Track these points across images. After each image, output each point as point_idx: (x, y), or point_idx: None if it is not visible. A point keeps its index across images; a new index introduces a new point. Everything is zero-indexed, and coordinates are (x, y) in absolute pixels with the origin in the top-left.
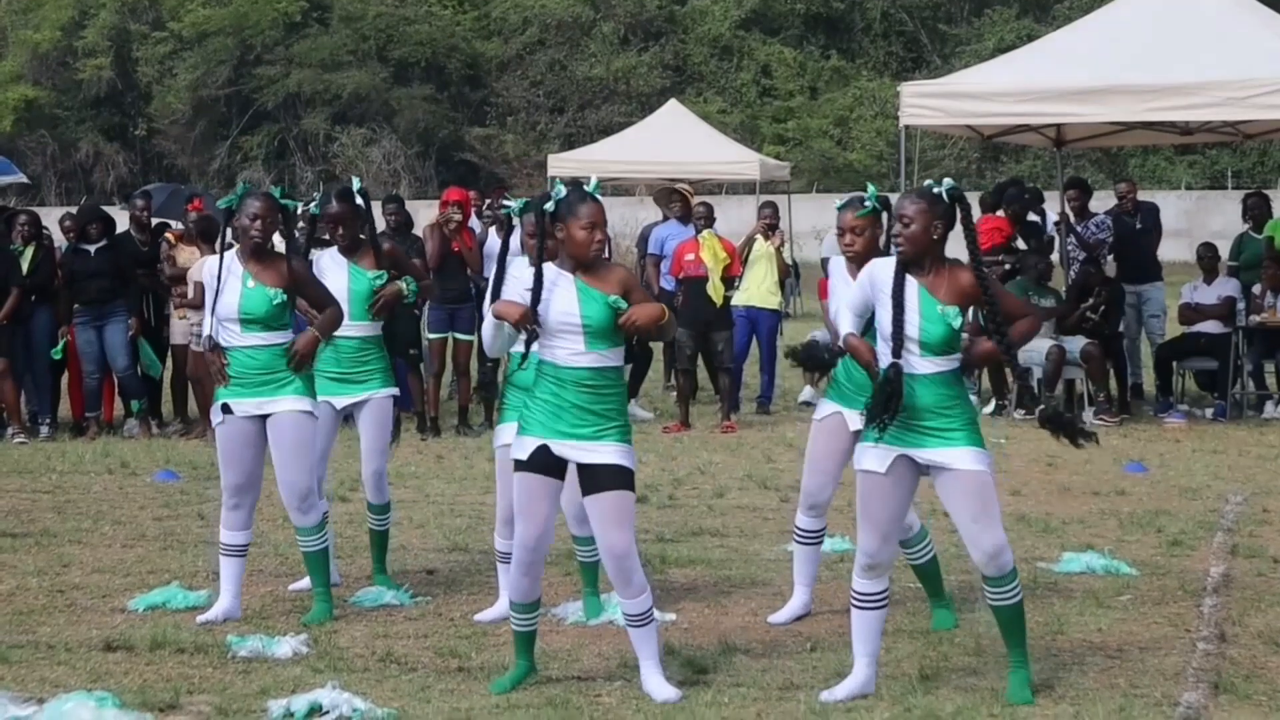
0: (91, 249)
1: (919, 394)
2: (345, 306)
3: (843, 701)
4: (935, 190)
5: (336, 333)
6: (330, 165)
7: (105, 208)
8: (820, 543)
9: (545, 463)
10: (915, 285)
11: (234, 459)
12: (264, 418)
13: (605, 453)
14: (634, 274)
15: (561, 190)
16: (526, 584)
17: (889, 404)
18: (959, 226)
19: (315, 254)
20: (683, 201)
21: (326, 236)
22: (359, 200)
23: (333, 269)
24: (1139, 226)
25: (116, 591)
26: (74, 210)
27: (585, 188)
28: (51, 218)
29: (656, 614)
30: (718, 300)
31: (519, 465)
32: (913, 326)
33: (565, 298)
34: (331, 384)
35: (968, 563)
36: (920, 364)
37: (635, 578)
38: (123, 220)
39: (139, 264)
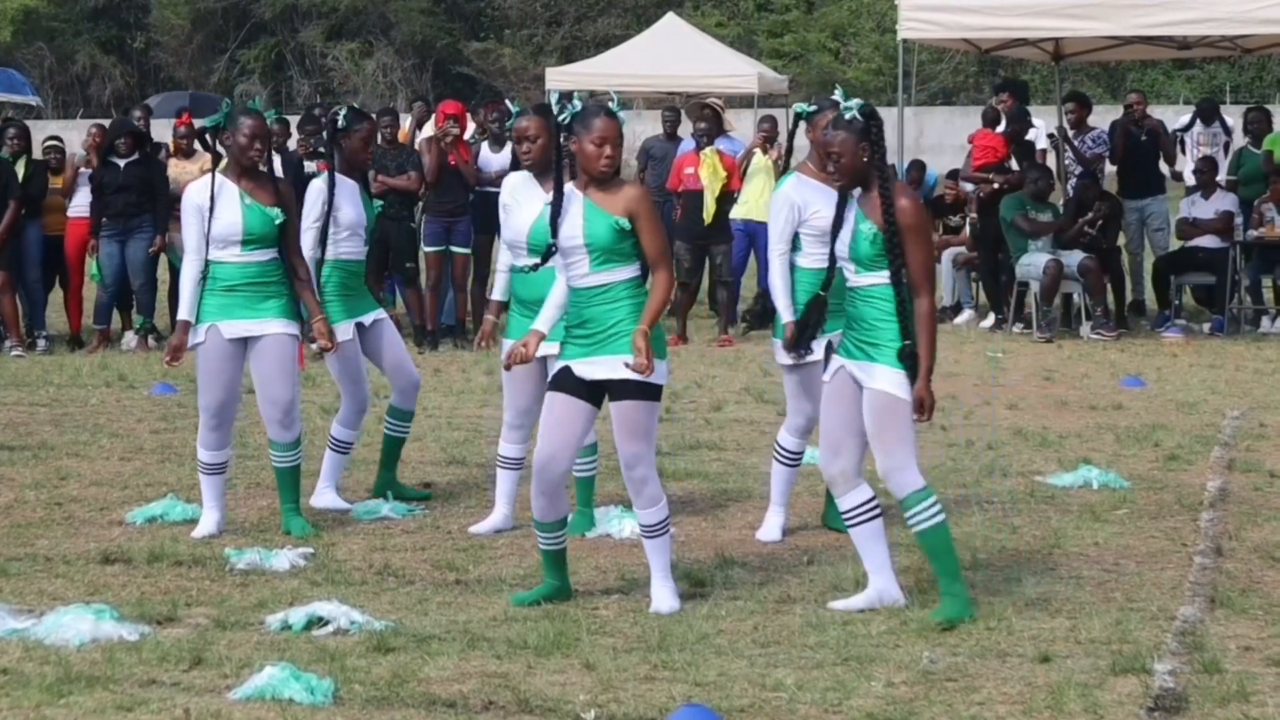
0: (121, 163)
1: (857, 307)
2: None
3: (849, 611)
4: (850, 115)
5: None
6: (327, 79)
7: (103, 121)
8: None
9: (570, 385)
10: (855, 206)
11: (215, 377)
12: (247, 339)
13: (621, 366)
14: (648, 193)
15: (579, 104)
16: (543, 503)
17: (804, 330)
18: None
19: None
20: (714, 117)
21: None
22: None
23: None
24: (1143, 138)
25: (114, 504)
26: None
27: (608, 104)
28: (50, 129)
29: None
30: (708, 219)
31: (549, 385)
32: (842, 244)
33: (572, 219)
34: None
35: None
36: (854, 279)
37: (646, 489)
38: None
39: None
